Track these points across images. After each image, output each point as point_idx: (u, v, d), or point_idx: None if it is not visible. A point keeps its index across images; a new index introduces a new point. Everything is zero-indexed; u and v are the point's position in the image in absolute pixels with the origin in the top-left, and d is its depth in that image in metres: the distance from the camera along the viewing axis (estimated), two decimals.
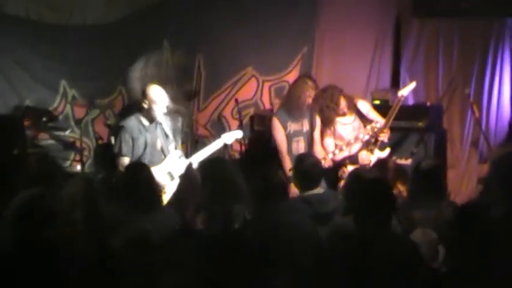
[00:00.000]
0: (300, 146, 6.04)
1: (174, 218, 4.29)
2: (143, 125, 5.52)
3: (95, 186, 3.90)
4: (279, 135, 6.02)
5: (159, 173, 5.31)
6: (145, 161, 5.38)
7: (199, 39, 7.63)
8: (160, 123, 5.59)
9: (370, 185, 3.57)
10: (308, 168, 4.69)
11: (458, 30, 7.33)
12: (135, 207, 4.09)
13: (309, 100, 6.03)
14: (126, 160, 5.45)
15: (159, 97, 5.49)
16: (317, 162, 4.86)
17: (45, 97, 7.07)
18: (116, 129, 5.80)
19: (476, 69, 7.25)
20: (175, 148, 5.73)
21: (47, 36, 7.02)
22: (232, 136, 6.09)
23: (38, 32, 6.95)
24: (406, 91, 6.14)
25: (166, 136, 5.63)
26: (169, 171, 5.45)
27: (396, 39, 7.70)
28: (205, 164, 4.58)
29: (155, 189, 4.39)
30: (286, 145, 5.99)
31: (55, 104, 7.14)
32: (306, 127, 6.08)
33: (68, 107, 7.19)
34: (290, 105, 6.08)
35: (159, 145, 5.56)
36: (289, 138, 6.05)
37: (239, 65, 7.79)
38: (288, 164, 5.86)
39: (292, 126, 6.06)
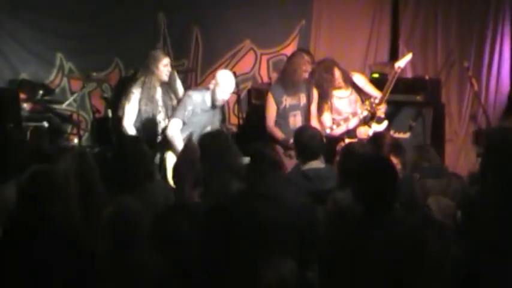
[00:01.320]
0: (297, 120, 6.04)
1: (166, 192, 4.30)
2: (206, 105, 5.67)
3: (89, 160, 3.88)
4: (270, 110, 6.05)
5: None
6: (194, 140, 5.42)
7: (196, 12, 7.56)
8: (219, 109, 5.81)
9: (367, 162, 3.54)
10: (307, 139, 4.70)
11: (456, 2, 7.28)
12: (127, 182, 4.08)
13: (305, 74, 6.02)
14: (177, 122, 5.62)
15: (225, 81, 5.66)
16: (316, 134, 4.84)
17: (41, 70, 7.03)
18: (182, 97, 5.95)
19: (475, 42, 7.22)
20: None
21: (43, 10, 6.96)
22: None
23: (33, 6, 6.89)
24: (402, 62, 6.11)
25: (219, 124, 5.84)
26: None
27: (394, 13, 7.66)
28: (204, 137, 4.56)
29: (147, 163, 4.38)
30: (273, 120, 6.01)
31: (51, 77, 7.10)
32: (303, 101, 6.07)
33: (65, 80, 7.15)
34: (286, 79, 6.07)
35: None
36: (286, 112, 6.04)
37: (237, 38, 7.74)
38: (278, 135, 5.94)
39: (288, 101, 6.05)
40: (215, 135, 4.71)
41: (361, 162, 3.50)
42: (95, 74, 6.89)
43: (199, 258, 2.95)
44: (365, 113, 5.93)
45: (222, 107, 6.25)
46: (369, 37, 7.66)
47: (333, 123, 6.04)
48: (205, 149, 4.27)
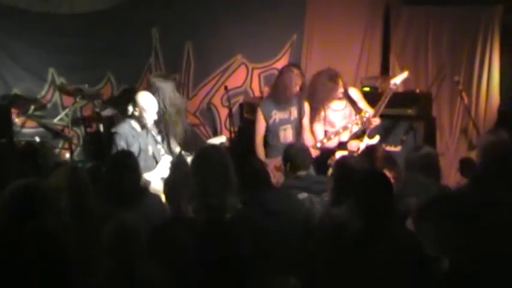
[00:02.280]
0: (288, 134, 6.05)
1: (161, 206, 4.29)
2: (136, 131, 5.52)
3: (81, 175, 3.87)
4: (258, 126, 6.08)
5: (152, 178, 5.33)
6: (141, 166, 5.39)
7: (188, 27, 7.58)
8: (150, 130, 5.60)
9: (366, 176, 3.55)
10: (295, 154, 4.75)
11: (447, 17, 7.33)
12: (122, 197, 4.07)
13: (297, 89, 6.03)
14: None
15: (149, 105, 5.48)
16: (304, 148, 4.92)
17: (33, 85, 7.01)
18: (110, 136, 5.76)
19: (466, 56, 7.26)
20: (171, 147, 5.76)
21: (35, 25, 6.95)
22: (217, 140, 6.06)
23: (26, 21, 6.88)
24: (398, 80, 6.13)
25: (156, 142, 5.64)
26: (162, 177, 5.35)
27: (386, 27, 7.70)
28: (201, 151, 4.55)
29: (141, 177, 4.37)
30: (261, 136, 6.03)
31: (43, 92, 7.08)
32: (293, 115, 6.08)
33: (56, 95, 7.13)
34: (277, 94, 6.08)
35: (150, 151, 5.57)
36: (276, 127, 6.05)
37: (228, 52, 7.76)
38: (260, 153, 5.99)
39: (278, 115, 6.06)
40: (214, 149, 4.71)
41: (360, 176, 3.51)
42: (86, 88, 6.87)
43: (197, 272, 2.94)
44: (355, 127, 5.95)
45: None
46: (360, 51, 7.70)
47: (324, 136, 6.06)
48: (201, 164, 4.28)
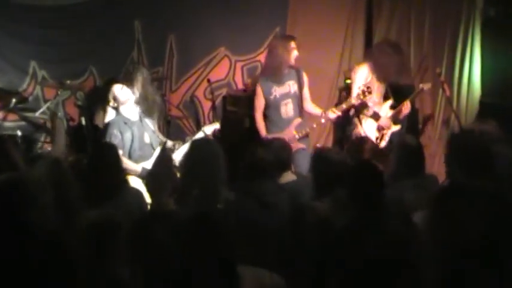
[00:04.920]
0: (289, 108, 6.12)
1: (141, 199, 4.28)
2: (128, 119, 5.56)
3: (63, 167, 3.85)
4: (257, 101, 6.17)
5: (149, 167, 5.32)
6: (135, 154, 5.44)
7: (171, 20, 7.54)
8: (143, 118, 5.64)
9: (357, 167, 3.55)
10: (275, 151, 4.59)
11: (429, 9, 7.37)
12: (102, 190, 4.06)
13: (293, 61, 6.06)
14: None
15: (122, 96, 5.54)
16: (285, 145, 4.87)
17: (14, 78, 6.96)
18: (103, 129, 5.84)
19: (447, 48, 7.30)
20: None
21: (16, 17, 6.89)
22: (211, 127, 6.08)
23: (6, 13, 6.82)
24: (426, 86, 6.46)
25: (152, 131, 5.68)
26: None
27: (368, 19, 7.72)
28: (194, 144, 4.54)
29: (122, 170, 4.36)
30: (261, 110, 6.13)
31: (24, 86, 7.03)
32: (293, 89, 6.14)
33: (38, 88, 7.08)
34: (274, 69, 6.12)
35: (147, 140, 5.58)
36: (277, 102, 6.12)
37: (211, 45, 7.73)
38: (262, 128, 6.08)
39: (278, 91, 6.12)
40: (206, 142, 4.70)
41: (351, 167, 3.51)
42: (69, 82, 6.83)
43: (177, 267, 2.93)
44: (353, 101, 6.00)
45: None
46: (343, 43, 7.72)
47: (335, 106, 6.18)
48: (194, 156, 4.26)
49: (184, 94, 7.83)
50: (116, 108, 5.61)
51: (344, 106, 6.07)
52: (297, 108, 6.12)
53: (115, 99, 5.56)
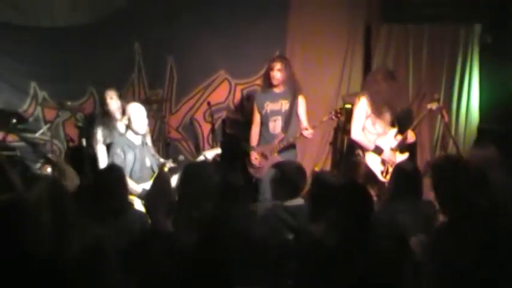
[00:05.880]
0: (277, 125, 6.33)
1: (143, 221, 4.29)
2: (132, 142, 5.65)
3: (61, 188, 3.85)
4: (254, 115, 6.46)
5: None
6: (135, 176, 5.50)
7: (171, 42, 7.60)
8: (147, 144, 5.78)
9: (347, 188, 3.57)
10: (290, 175, 4.59)
11: (426, 35, 7.42)
12: (104, 211, 4.06)
13: (278, 77, 6.24)
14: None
15: (137, 114, 5.66)
16: (300, 168, 4.78)
17: (14, 99, 6.98)
18: (107, 148, 5.99)
19: (446, 74, 7.35)
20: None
21: (17, 38, 6.92)
22: (212, 152, 6.11)
23: (7, 34, 6.87)
24: (434, 106, 6.38)
25: (153, 155, 5.79)
26: None
27: (367, 44, 7.78)
28: (190, 166, 4.56)
29: (124, 192, 4.37)
30: (257, 125, 6.40)
31: (25, 106, 7.06)
32: (284, 108, 6.31)
33: (39, 109, 7.11)
34: (264, 84, 6.42)
35: (148, 163, 5.67)
36: (267, 117, 6.36)
37: (211, 68, 7.79)
38: (253, 141, 6.39)
39: (270, 106, 6.36)
40: (201, 165, 4.73)
41: (342, 189, 3.54)
42: (69, 103, 6.86)
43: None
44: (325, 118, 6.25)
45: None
46: (342, 68, 7.77)
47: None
48: (189, 178, 4.28)
49: (184, 116, 7.87)
50: (127, 127, 5.68)
51: (317, 124, 6.29)
52: (285, 126, 6.32)
53: (127, 115, 5.67)
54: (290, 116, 6.29)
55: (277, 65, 6.28)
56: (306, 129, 6.15)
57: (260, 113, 6.39)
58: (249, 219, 4.12)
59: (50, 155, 6.59)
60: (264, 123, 6.39)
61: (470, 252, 3.06)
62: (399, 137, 6.24)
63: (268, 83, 6.35)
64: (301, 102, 6.33)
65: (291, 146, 6.33)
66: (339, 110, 6.30)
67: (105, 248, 3.13)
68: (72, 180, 6.40)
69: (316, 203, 4.09)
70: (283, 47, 7.78)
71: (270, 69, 6.30)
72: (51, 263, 3.20)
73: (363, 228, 3.32)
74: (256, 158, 6.36)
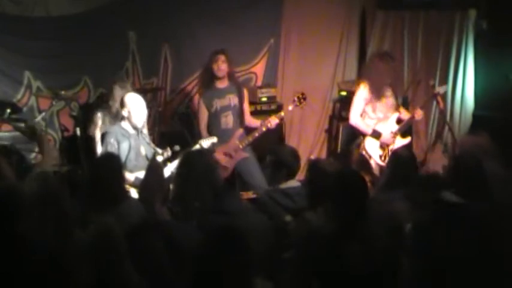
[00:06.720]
0: (229, 120, 6.37)
1: (141, 210, 4.28)
2: (126, 131, 5.61)
3: (53, 182, 3.82)
4: (200, 114, 6.44)
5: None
6: (130, 164, 5.48)
7: (166, 30, 7.56)
8: (142, 132, 5.70)
9: (341, 175, 3.57)
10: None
11: (422, 22, 7.42)
12: (100, 200, 4.05)
13: (220, 72, 6.29)
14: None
15: (135, 105, 5.58)
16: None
17: (8, 89, 6.96)
18: (101, 137, 5.90)
19: (441, 60, 7.35)
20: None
21: (11, 28, 6.89)
22: (208, 142, 6.10)
23: (0, 24, 6.83)
24: (442, 90, 6.48)
25: (147, 143, 5.74)
26: None
27: (362, 32, 7.76)
28: (189, 155, 4.55)
29: (121, 181, 4.36)
30: (204, 122, 6.38)
31: (19, 96, 7.03)
32: (233, 102, 6.37)
33: (33, 98, 7.08)
34: (210, 81, 6.38)
35: (143, 152, 5.64)
36: (218, 114, 6.37)
37: (206, 56, 7.74)
38: (204, 134, 6.33)
39: (219, 103, 6.37)
40: (200, 153, 4.72)
41: (337, 176, 3.53)
42: (63, 92, 6.83)
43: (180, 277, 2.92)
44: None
45: None
46: (337, 55, 7.77)
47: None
48: (190, 167, 4.26)
49: (179, 105, 7.84)
50: (125, 119, 5.60)
51: (282, 114, 6.33)
52: (237, 120, 6.38)
53: (126, 107, 5.58)
54: (241, 110, 6.37)
55: (222, 57, 6.30)
56: (264, 124, 6.16)
57: (209, 110, 6.36)
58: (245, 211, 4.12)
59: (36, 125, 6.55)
60: (214, 119, 6.36)
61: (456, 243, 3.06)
62: (406, 116, 6.23)
63: (211, 78, 6.35)
64: (245, 95, 6.45)
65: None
66: (300, 96, 6.27)
67: (115, 235, 3.12)
68: (50, 156, 6.42)
69: (312, 191, 4.08)
70: (277, 35, 7.76)
71: (214, 61, 6.30)
72: (48, 253, 3.20)
73: (358, 216, 3.31)
74: (221, 159, 6.20)
